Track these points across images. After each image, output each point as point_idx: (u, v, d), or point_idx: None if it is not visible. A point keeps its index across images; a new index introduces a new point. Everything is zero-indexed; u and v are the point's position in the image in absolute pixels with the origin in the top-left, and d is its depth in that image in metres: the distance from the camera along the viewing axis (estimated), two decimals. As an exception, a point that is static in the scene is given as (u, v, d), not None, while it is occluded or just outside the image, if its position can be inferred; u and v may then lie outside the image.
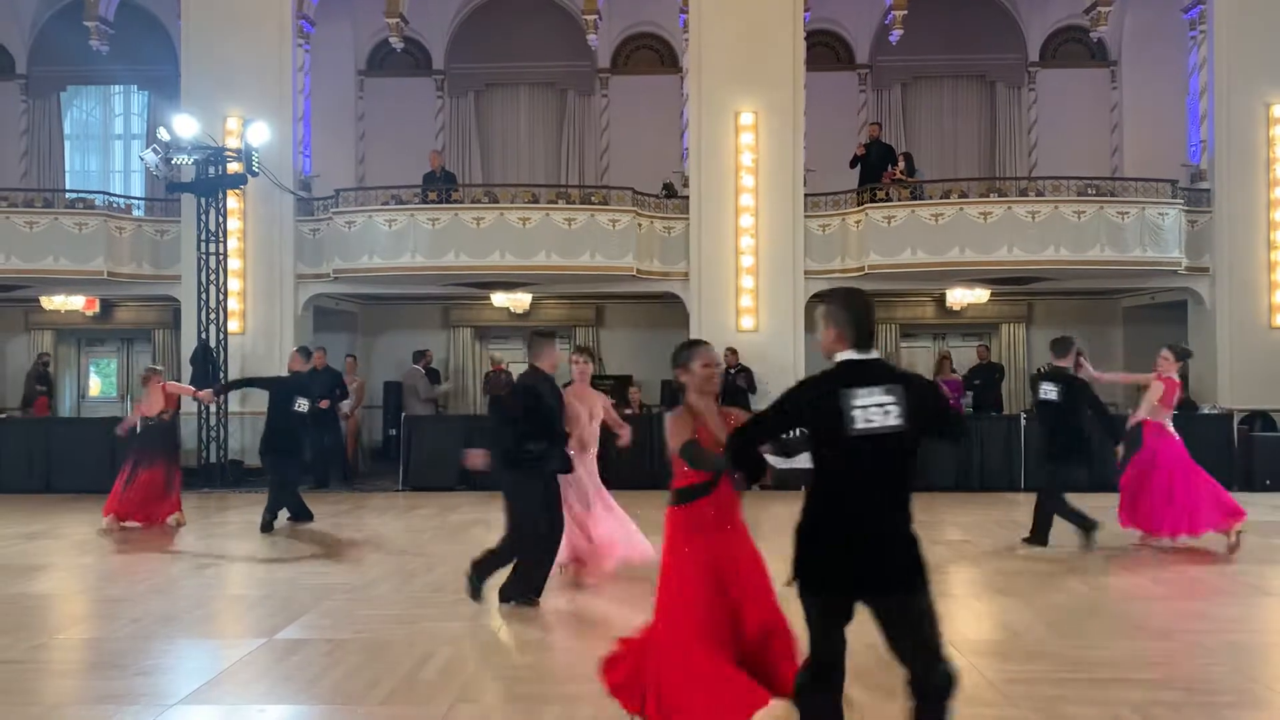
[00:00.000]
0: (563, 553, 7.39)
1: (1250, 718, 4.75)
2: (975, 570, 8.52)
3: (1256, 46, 15.29)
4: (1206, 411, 14.47)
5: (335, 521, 11.05)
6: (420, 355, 16.42)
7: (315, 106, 16.90)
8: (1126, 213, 14.78)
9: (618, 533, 7.69)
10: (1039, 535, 9.29)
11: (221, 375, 14.91)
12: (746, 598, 4.21)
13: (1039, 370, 9.99)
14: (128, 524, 10.74)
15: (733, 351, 14.91)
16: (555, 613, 6.83)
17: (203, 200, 14.94)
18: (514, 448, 6.72)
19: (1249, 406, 14.54)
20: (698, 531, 4.26)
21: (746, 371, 14.87)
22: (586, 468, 7.76)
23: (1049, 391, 9.27)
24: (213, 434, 14.89)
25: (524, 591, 6.86)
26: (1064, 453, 9.21)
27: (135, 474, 10.83)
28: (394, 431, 15.85)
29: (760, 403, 15.00)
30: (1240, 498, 11.86)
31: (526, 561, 6.85)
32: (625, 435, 7.99)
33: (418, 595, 7.37)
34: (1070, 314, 18.36)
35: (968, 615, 7.09)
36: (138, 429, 11.14)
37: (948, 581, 8.21)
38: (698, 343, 4.61)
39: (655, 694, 4.11)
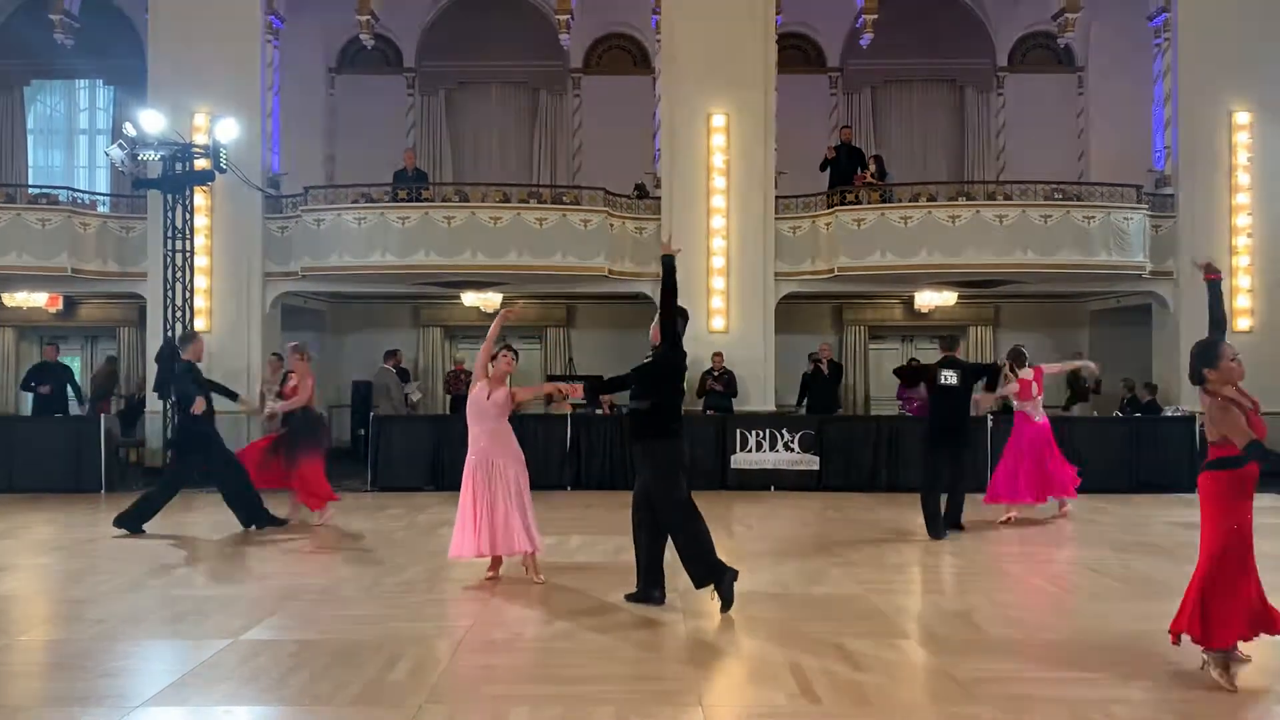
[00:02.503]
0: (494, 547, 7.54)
1: (1211, 712, 4.82)
2: (941, 568, 8.59)
3: (1219, 54, 15.54)
4: (1170, 414, 14.67)
5: (303, 522, 10.96)
6: (391, 355, 16.30)
7: (284, 104, 16.78)
8: (1092, 217, 14.97)
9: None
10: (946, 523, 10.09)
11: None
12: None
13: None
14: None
15: (718, 355, 15.00)
16: (524, 612, 6.81)
17: (169, 197, 14.77)
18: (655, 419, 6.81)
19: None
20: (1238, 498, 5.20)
21: (729, 374, 14.94)
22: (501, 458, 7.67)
23: (950, 378, 10.16)
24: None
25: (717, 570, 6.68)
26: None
27: (296, 464, 10.61)
28: (362, 431, 15.75)
29: (742, 404, 15.07)
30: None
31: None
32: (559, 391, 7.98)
33: (386, 596, 7.32)
34: (1037, 317, 18.58)
35: (933, 612, 7.14)
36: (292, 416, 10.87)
37: (914, 579, 8.28)
38: (1218, 342, 5.45)
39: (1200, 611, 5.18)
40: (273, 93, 16.32)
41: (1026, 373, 11.02)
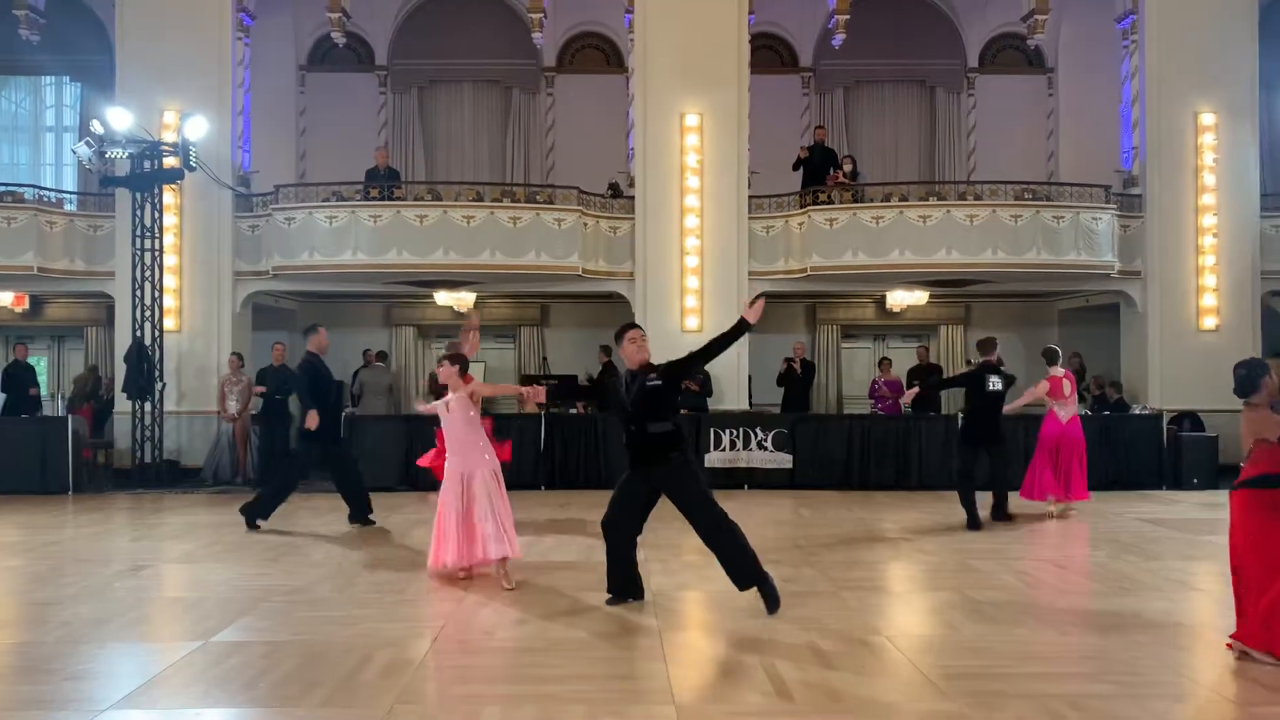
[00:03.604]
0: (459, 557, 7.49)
1: (1177, 709, 4.88)
2: (913, 566, 8.65)
3: (1186, 56, 15.73)
4: (1138, 412, 14.84)
5: (275, 522, 10.88)
6: (382, 355, 16.26)
7: (255, 101, 16.65)
8: (1062, 217, 15.12)
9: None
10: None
11: (157, 374, 14.62)
12: None
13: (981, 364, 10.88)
14: None
15: None
16: (498, 612, 6.80)
17: (138, 195, 14.64)
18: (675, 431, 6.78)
19: (1178, 407, 14.94)
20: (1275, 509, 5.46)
21: (704, 374, 14.95)
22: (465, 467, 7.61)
23: (996, 383, 10.62)
24: (148, 434, 14.59)
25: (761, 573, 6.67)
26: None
27: None
28: (335, 431, 15.64)
29: (716, 403, 15.10)
30: (1169, 496, 12.24)
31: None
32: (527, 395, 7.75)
33: (359, 596, 7.29)
34: (1007, 316, 18.73)
35: (906, 610, 7.20)
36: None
37: (886, 577, 8.34)
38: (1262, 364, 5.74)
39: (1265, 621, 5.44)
40: (243, 90, 16.19)
41: (1056, 371, 11.27)
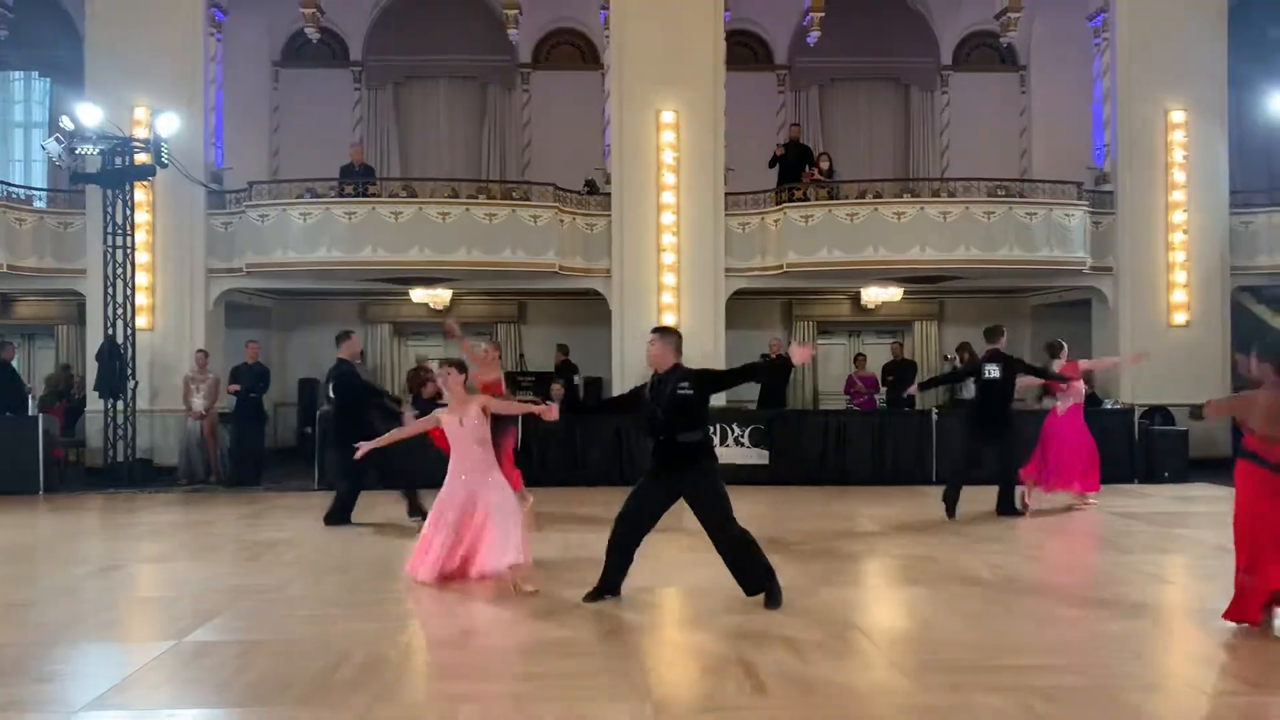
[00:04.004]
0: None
1: (1148, 701, 4.94)
2: (888, 561, 8.71)
3: (1155, 55, 15.88)
4: (1109, 406, 14.97)
5: (249, 522, 10.82)
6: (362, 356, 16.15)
7: (228, 97, 16.52)
8: (1034, 214, 15.23)
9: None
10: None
11: (129, 372, 14.49)
12: None
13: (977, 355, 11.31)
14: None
15: None
16: (474, 610, 6.79)
17: (109, 192, 14.49)
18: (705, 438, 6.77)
19: (1149, 401, 15.10)
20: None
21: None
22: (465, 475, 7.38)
23: (992, 371, 10.79)
24: (120, 432, 14.46)
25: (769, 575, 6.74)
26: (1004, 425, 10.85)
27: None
28: (309, 429, 15.58)
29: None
30: (1141, 490, 12.36)
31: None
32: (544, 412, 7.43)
33: (333, 595, 7.25)
34: (980, 312, 18.82)
35: (881, 605, 7.25)
36: None
37: (860, 572, 8.38)
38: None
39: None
40: (215, 86, 16.05)
41: (1058, 363, 11.46)
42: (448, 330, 9.57)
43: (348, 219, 14.83)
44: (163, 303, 15.49)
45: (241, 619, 6.55)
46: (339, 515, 10.45)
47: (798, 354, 6.61)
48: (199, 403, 14.31)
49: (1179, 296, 15.95)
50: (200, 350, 14.73)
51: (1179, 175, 15.94)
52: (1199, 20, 15.95)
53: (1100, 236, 15.95)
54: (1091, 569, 8.13)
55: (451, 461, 7.49)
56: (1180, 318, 15.92)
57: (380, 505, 11.49)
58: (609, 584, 6.91)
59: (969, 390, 15.48)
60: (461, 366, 7.66)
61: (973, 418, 11.13)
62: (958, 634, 6.13)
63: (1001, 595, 7.17)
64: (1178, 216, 15.96)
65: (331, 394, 10.74)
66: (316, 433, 14.10)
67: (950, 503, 10.69)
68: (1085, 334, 17.04)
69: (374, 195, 15.27)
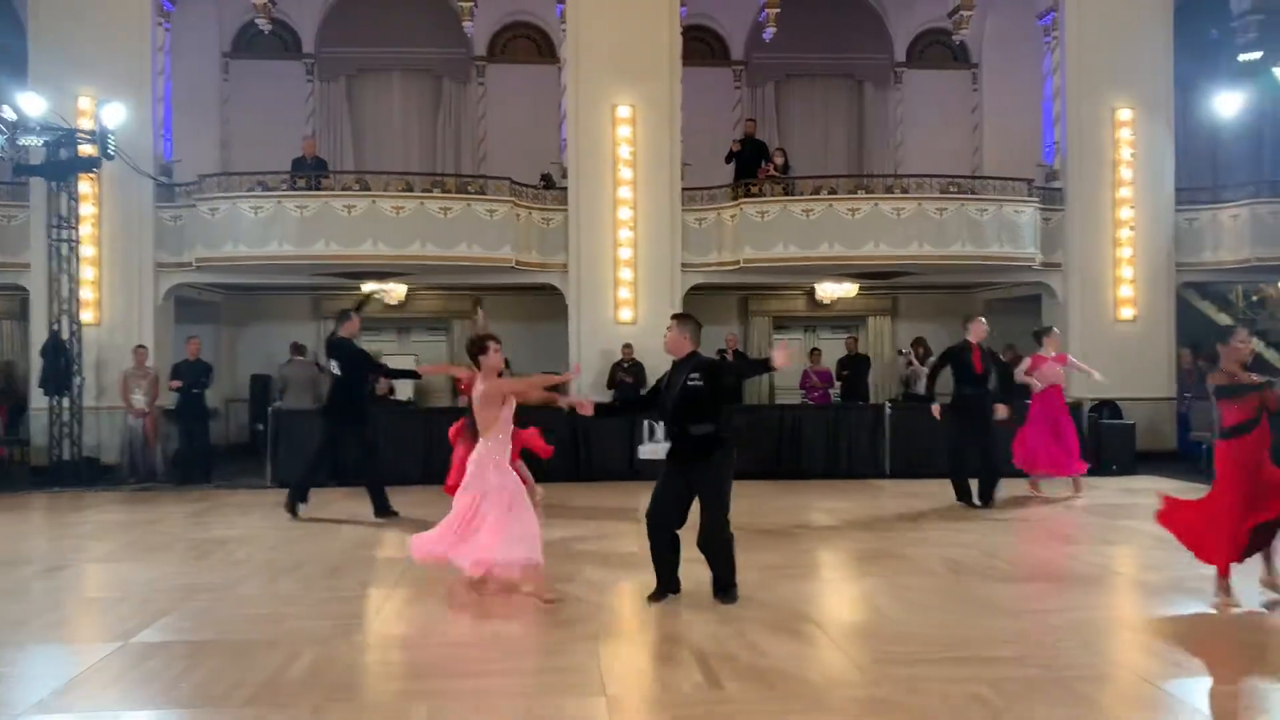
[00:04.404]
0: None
1: (1097, 691, 5.02)
2: (842, 554, 8.78)
3: (1104, 54, 16.13)
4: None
5: (198, 520, 10.66)
6: (300, 348, 16.02)
7: (176, 88, 16.22)
8: (985, 210, 15.41)
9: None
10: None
11: (75, 369, 14.20)
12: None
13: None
14: None
15: (628, 346, 15.05)
16: (429, 608, 6.74)
17: (53, 184, 14.19)
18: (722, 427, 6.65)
19: (1098, 396, 15.33)
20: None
21: (638, 366, 14.98)
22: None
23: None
24: (65, 430, 14.17)
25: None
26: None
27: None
28: (261, 426, 15.38)
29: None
30: (1090, 482, 12.56)
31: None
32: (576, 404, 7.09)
33: (285, 594, 7.16)
34: (933, 307, 19.07)
35: (835, 598, 7.30)
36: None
37: (815, 565, 8.44)
38: (1234, 328, 7.02)
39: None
40: (164, 77, 15.76)
41: (1045, 351, 11.94)
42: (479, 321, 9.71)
43: (300, 213, 14.64)
44: (109, 297, 15.20)
45: (190, 619, 6.45)
46: (380, 504, 10.56)
47: (779, 357, 6.49)
48: (139, 400, 14.03)
49: (1126, 292, 16.23)
50: (139, 346, 14.41)
51: (1126, 173, 16.22)
52: (1145, 21, 16.23)
53: (1050, 233, 16.18)
54: (1041, 561, 8.26)
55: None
56: (1127, 313, 16.20)
57: (335, 503, 11.39)
58: (663, 584, 6.76)
59: (919, 385, 15.69)
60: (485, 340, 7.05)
61: (953, 407, 11.22)
62: (910, 626, 6.19)
63: (953, 587, 7.26)
64: (1125, 213, 16.23)
65: (335, 369, 10.70)
66: (269, 429, 13.91)
67: (962, 491, 11.04)
68: (1035, 328, 17.25)
69: (327, 189, 15.08)
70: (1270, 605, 6.64)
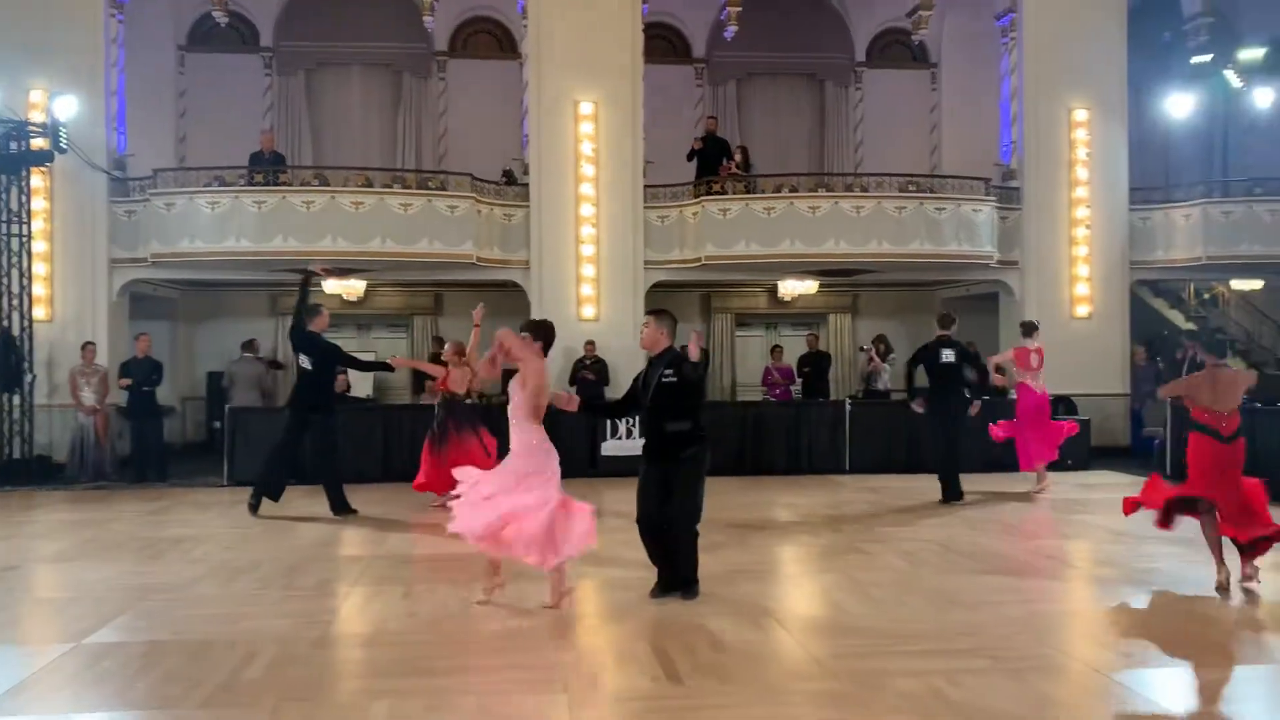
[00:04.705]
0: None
1: (1050, 682, 5.10)
2: (803, 549, 8.84)
3: (1061, 55, 16.36)
4: (1015, 397, 15.35)
5: (154, 519, 10.52)
6: (249, 344, 15.80)
7: (131, 81, 15.96)
8: (944, 209, 15.57)
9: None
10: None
11: (26, 366, 13.95)
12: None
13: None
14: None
15: (590, 344, 15.05)
16: (387, 606, 6.70)
17: (4, 178, 13.93)
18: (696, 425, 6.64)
19: (1053, 391, 15.49)
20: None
21: (600, 363, 14.98)
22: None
23: (948, 355, 11.31)
24: (16, 428, 13.92)
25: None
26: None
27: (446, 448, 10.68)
28: (218, 424, 15.20)
29: (614, 392, 15.12)
30: (1050, 477, 12.72)
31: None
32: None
33: (242, 593, 7.09)
34: (892, 305, 19.25)
35: (796, 593, 7.36)
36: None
37: (776, 560, 8.50)
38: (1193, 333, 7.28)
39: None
40: (118, 69, 15.50)
41: (1029, 343, 11.98)
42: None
43: (257, 208, 14.48)
44: (61, 293, 14.94)
45: (145, 619, 6.37)
46: (337, 502, 10.56)
47: (693, 350, 6.57)
48: (89, 397, 13.81)
49: (1081, 290, 16.47)
50: (88, 343, 14.17)
51: (1082, 172, 16.46)
52: (1101, 23, 16.47)
53: (1007, 231, 16.38)
54: (998, 554, 8.36)
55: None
56: (1083, 310, 16.44)
57: (293, 501, 11.27)
58: (664, 581, 6.73)
59: (880, 382, 15.86)
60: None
61: (928, 401, 11.43)
62: (869, 619, 6.25)
63: (911, 580, 7.34)
64: (1080, 212, 16.47)
65: (305, 363, 10.57)
66: (226, 427, 13.75)
67: (953, 489, 11.19)
68: (992, 326, 17.49)
69: (285, 184, 14.93)
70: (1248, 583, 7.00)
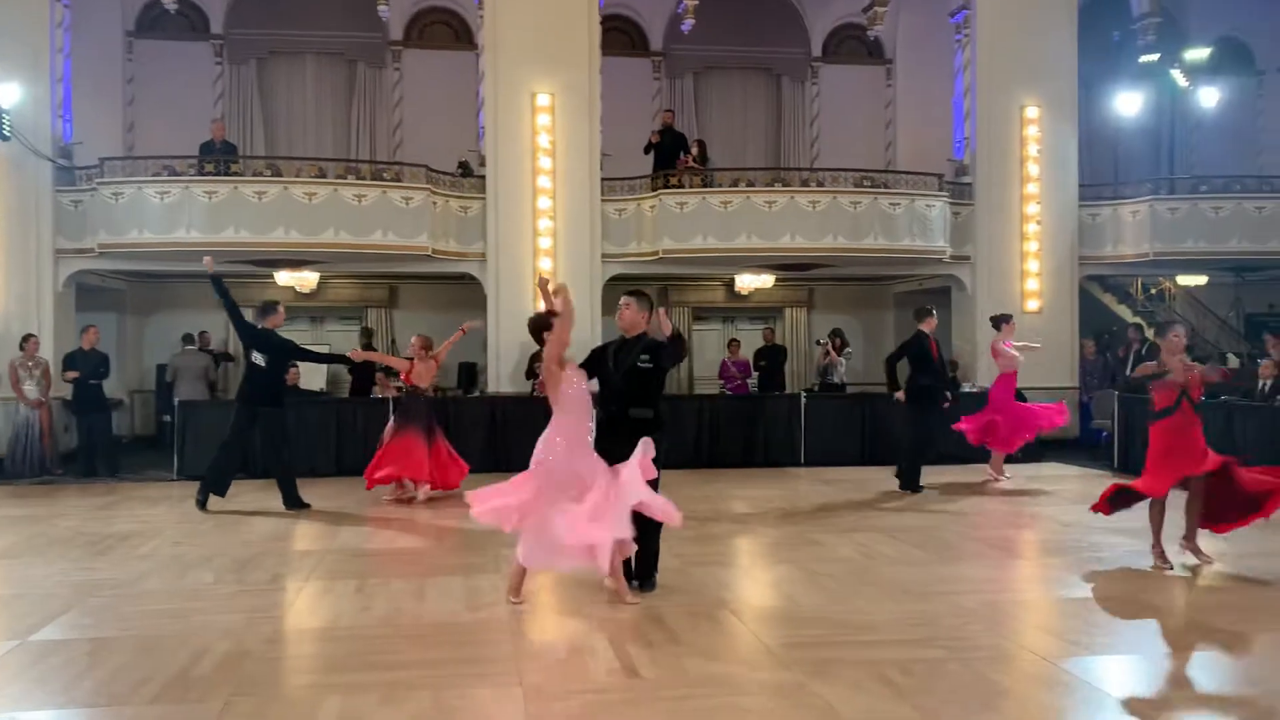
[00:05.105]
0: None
1: (1001, 670, 5.18)
2: (758, 541, 8.89)
3: (1012, 52, 16.55)
4: (967, 390, 15.57)
5: (102, 513, 10.33)
6: (189, 337, 15.52)
7: (77, 68, 15.60)
8: (898, 204, 15.70)
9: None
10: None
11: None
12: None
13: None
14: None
15: None
16: (340, 602, 6.64)
17: (-56, 165, 13.57)
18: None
19: (1004, 385, 15.75)
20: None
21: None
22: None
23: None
24: (-42, 422, 13.59)
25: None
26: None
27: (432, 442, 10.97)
28: (168, 417, 14.96)
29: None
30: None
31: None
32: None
33: (192, 589, 6.99)
34: (847, 299, 19.40)
35: (750, 584, 7.40)
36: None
37: (732, 552, 8.54)
38: (1173, 323, 7.90)
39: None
40: (63, 56, 15.15)
41: (1006, 336, 12.44)
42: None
43: (208, 198, 14.25)
44: (5, 285, 14.60)
45: (92, 615, 6.26)
46: (290, 497, 10.47)
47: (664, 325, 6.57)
48: (32, 390, 13.51)
49: (1032, 285, 16.70)
50: (29, 335, 13.86)
51: (1033, 169, 16.67)
52: (1052, 22, 16.69)
53: (959, 226, 16.57)
54: (948, 545, 8.47)
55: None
56: (1033, 304, 16.67)
57: (244, 495, 11.14)
58: (631, 571, 6.71)
59: (836, 375, 16.00)
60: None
61: (910, 394, 11.59)
62: (822, 610, 6.31)
63: (865, 571, 7.41)
64: (1031, 208, 16.69)
65: (258, 360, 10.41)
66: (176, 420, 13.54)
67: (913, 478, 11.46)
68: (945, 320, 17.62)
69: (236, 174, 14.69)
70: (1193, 568, 7.27)
